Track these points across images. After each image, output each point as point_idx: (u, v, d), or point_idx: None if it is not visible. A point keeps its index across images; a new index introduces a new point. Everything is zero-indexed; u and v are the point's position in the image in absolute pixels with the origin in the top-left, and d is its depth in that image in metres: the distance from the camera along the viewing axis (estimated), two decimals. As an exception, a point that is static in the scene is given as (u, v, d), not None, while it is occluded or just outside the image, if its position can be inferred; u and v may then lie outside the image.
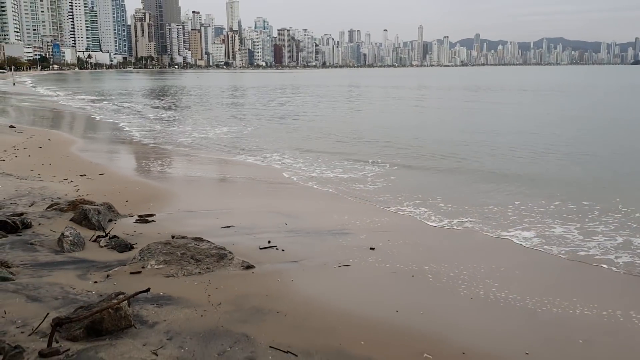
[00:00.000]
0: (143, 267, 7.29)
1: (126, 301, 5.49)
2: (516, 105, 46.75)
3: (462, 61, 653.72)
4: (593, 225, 10.46)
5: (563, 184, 14.29)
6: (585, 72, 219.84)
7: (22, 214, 9.64)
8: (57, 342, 5.00)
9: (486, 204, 12.05)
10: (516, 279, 7.64)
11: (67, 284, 6.62)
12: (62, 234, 8.26)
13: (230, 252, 8.06)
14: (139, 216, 10.22)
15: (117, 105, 47.36)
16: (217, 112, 40.36)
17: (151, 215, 10.38)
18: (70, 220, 9.46)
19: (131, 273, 7.08)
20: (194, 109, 44.47)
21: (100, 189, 12.16)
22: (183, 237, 8.38)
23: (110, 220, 9.74)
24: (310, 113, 39.30)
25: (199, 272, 7.32)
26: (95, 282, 6.78)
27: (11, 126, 25.75)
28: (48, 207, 10.26)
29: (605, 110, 39.26)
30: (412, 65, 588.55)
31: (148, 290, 5.76)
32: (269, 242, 8.96)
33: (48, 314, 5.44)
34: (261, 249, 8.66)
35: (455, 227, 10.43)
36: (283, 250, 8.63)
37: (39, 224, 9.23)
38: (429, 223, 10.77)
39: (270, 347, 5.20)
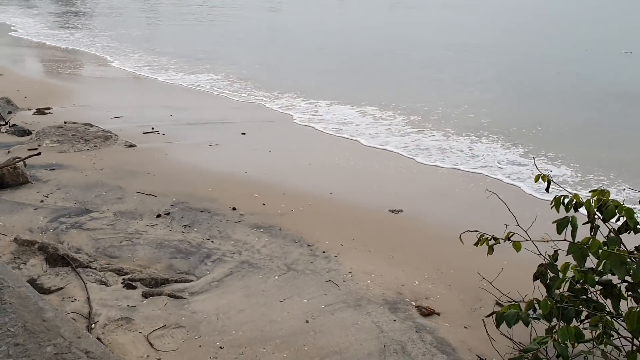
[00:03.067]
0: (39, 145, 8.74)
1: (22, 162, 7.03)
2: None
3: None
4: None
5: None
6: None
7: None
8: (-33, 192, 6.53)
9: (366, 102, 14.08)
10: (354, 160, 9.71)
11: (-29, 157, 8.01)
12: (-36, 121, 9.47)
13: (115, 135, 9.61)
14: (37, 109, 11.42)
15: (16, 7, 45.11)
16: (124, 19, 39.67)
17: (48, 108, 11.60)
18: (-29, 112, 10.56)
19: (29, 149, 8.50)
20: (99, 13, 43.28)
21: (-2, 87, 13.09)
22: (74, 123, 9.81)
23: (9, 113, 10.90)
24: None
25: (88, 149, 8.86)
26: (-4, 156, 8.20)
27: None
28: (-52, 102, 11.24)
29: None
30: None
31: (39, 153, 7.33)
32: (152, 128, 10.53)
33: (-43, 173, 6.91)
34: (144, 133, 10.22)
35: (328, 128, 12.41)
36: (164, 134, 10.24)
37: (-59, 116, 10.31)
38: (301, 120, 12.67)
39: (136, 192, 6.96)
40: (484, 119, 12.31)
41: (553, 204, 3.47)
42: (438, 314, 4.42)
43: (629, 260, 2.90)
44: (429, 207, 7.29)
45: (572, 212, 3.48)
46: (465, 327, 4.23)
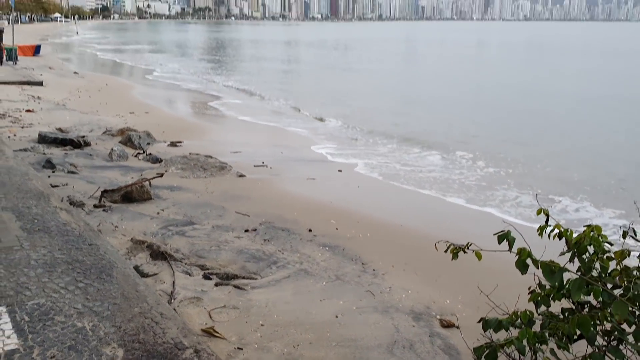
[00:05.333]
0: (166, 171, 10.46)
1: (147, 182, 8.65)
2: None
3: (525, 15, 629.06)
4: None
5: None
6: None
7: (84, 136, 12.98)
8: (104, 203, 8.21)
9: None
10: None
11: (113, 177, 9.84)
12: (112, 149, 11.53)
13: (230, 166, 11.15)
14: (171, 142, 13.42)
15: (169, 54, 50.86)
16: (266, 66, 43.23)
17: (180, 141, 13.56)
18: (119, 142, 12.73)
19: (157, 173, 10.25)
20: (244, 63, 47.50)
21: (143, 122, 15.43)
22: (197, 154, 11.52)
23: (148, 144, 12.96)
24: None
25: (205, 176, 10.43)
26: (132, 177, 9.98)
27: (75, 72, 29.58)
28: (103, 133, 13.61)
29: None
30: (472, 19, 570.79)
31: (161, 176, 8.93)
32: (263, 162, 11.98)
33: (99, 187, 8.67)
34: (255, 166, 11.69)
35: (414, 157, 13.22)
36: (271, 167, 11.63)
37: (96, 144, 12.56)
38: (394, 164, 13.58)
39: (235, 212, 8.25)
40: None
41: (538, 232, 4.09)
42: (457, 327, 5.07)
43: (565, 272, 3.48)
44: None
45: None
46: (477, 340, 4.84)
